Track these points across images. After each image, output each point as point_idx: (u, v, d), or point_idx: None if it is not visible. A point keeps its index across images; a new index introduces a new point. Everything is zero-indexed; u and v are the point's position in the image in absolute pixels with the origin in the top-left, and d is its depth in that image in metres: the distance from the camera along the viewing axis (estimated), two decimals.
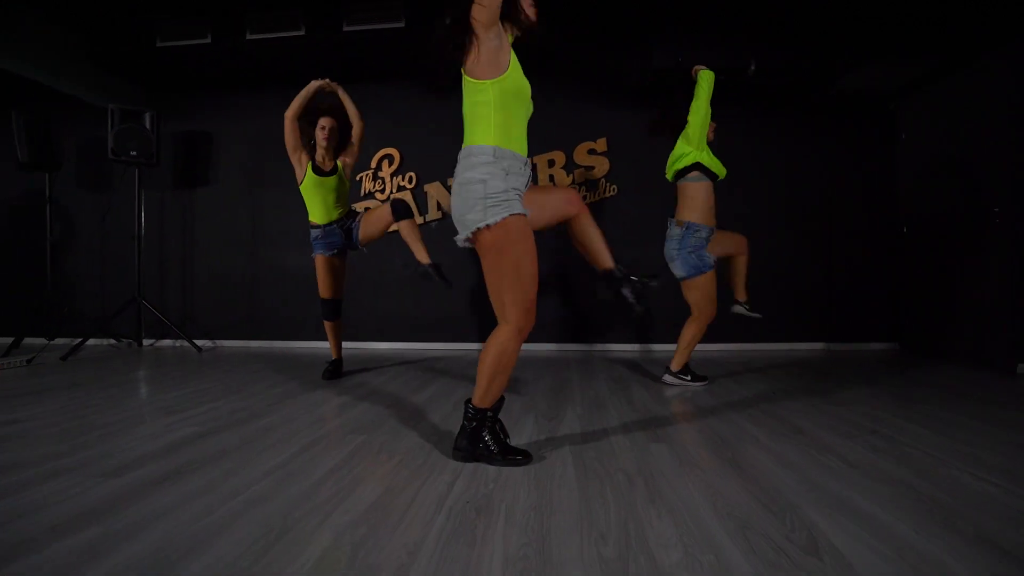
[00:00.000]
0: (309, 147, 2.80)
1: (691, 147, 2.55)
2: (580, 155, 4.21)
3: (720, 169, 2.60)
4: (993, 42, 3.14)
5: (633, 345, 4.18)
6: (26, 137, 3.92)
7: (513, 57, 1.53)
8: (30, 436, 1.82)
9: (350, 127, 2.87)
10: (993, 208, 3.14)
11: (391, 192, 4.40)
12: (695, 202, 2.56)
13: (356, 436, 1.82)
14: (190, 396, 2.46)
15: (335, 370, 2.96)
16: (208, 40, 3.66)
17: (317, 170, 2.79)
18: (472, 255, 2.07)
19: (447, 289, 2.71)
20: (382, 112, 4.39)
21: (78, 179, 4.62)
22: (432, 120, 4.34)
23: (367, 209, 2.89)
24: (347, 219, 2.85)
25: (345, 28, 3.54)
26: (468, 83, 1.53)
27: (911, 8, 3.14)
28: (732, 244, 2.72)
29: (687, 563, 0.99)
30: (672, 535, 1.10)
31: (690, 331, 2.63)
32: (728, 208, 3.73)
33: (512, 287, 1.46)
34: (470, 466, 1.52)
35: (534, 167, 4.24)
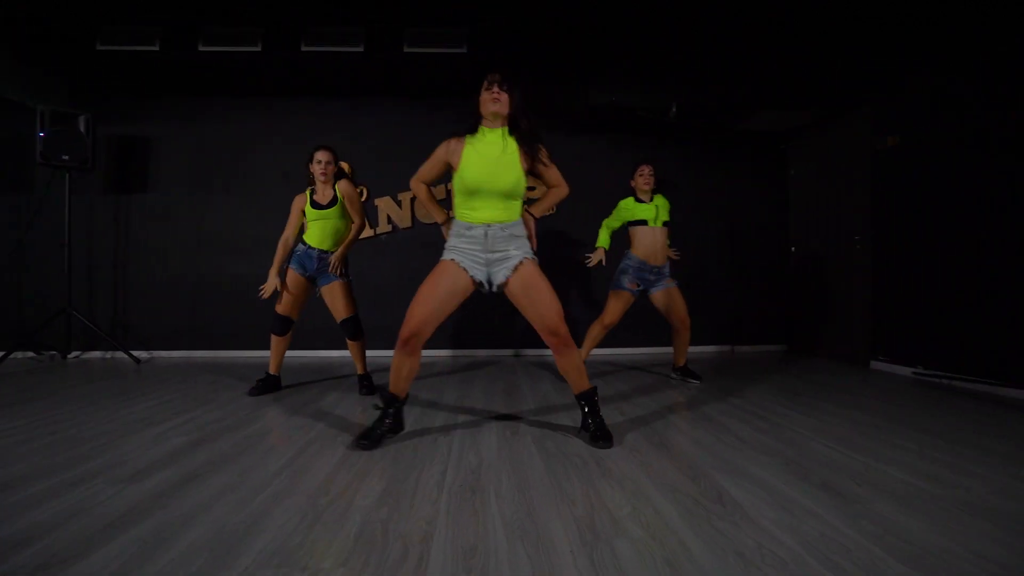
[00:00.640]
0: (311, 183, 2.92)
1: (618, 221, 3.30)
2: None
3: (646, 213, 3.18)
4: (856, 100, 3.92)
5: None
6: None
7: (467, 153, 1.99)
8: (17, 451, 1.86)
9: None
10: (855, 237, 3.91)
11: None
12: (632, 240, 3.25)
13: (346, 437, 2.05)
14: (159, 408, 2.52)
15: (266, 386, 2.88)
16: (156, 48, 3.62)
17: (315, 204, 2.85)
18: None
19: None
20: (335, 128, 4.53)
21: None
22: (383, 137, 4.54)
23: (344, 276, 2.92)
24: (331, 254, 2.87)
25: (304, 48, 3.66)
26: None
27: (793, 67, 3.85)
28: (676, 318, 3.22)
29: (635, 515, 1.37)
30: (621, 498, 1.48)
31: (594, 328, 3.26)
32: None
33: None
34: (455, 456, 1.82)
35: None
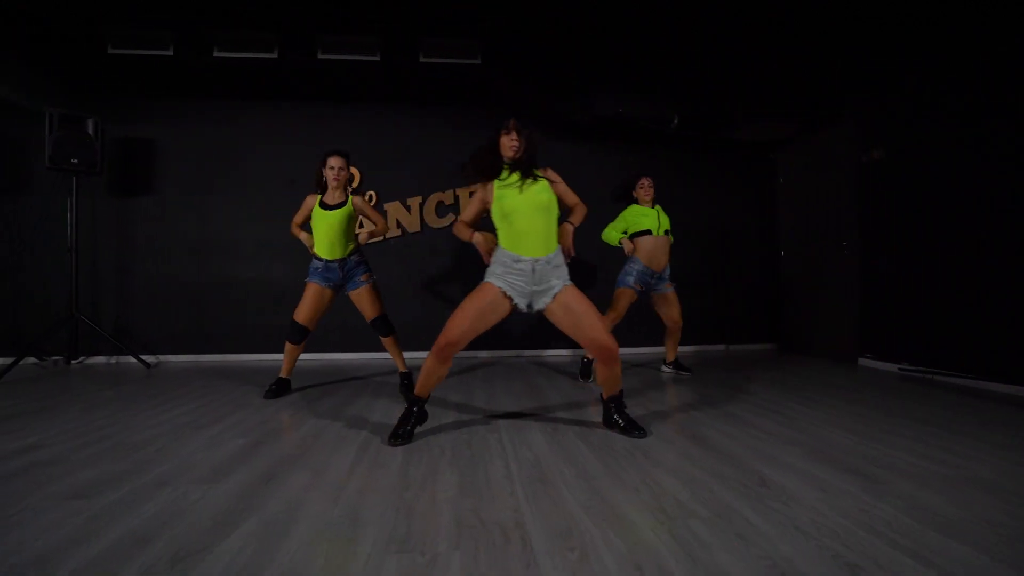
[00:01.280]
0: (320, 186, 2.95)
1: (618, 230, 3.52)
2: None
3: (650, 224, 3.44)
4: (840, 113, 4.21)
5: (564, 350, 4.79)
6: None
7: (498, 186, 2.18)
8: (78, 457, 1.90)
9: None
10: (842, 242, 4.20)
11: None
12: (637, 248, 3.47)
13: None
14: (199, 412, 2.56)
15: (280, 389, 2.94)
16: (170, 52, 3.62)
17: (324, 204, 2.90)
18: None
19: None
20: (345, 133, 4.58)
21: None
22: (393, 142, 4.62)
23: (371, 281, 3.01)
24: (350, 259, 2.93)
25: (320, 56, 3.72)
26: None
27: (782, 80, 4.12)
28: (670, 319, 3.56)
29: (696, 498, 1.53)
30: (678, 484, 1.64)
31: (605, 321, 3.51)
32: None
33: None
34: (510, 452, 1.95)
35: None
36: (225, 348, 4.46)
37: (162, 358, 4.38)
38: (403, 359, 3.15)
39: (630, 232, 3.50)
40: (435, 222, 4.64)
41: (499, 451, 1.97)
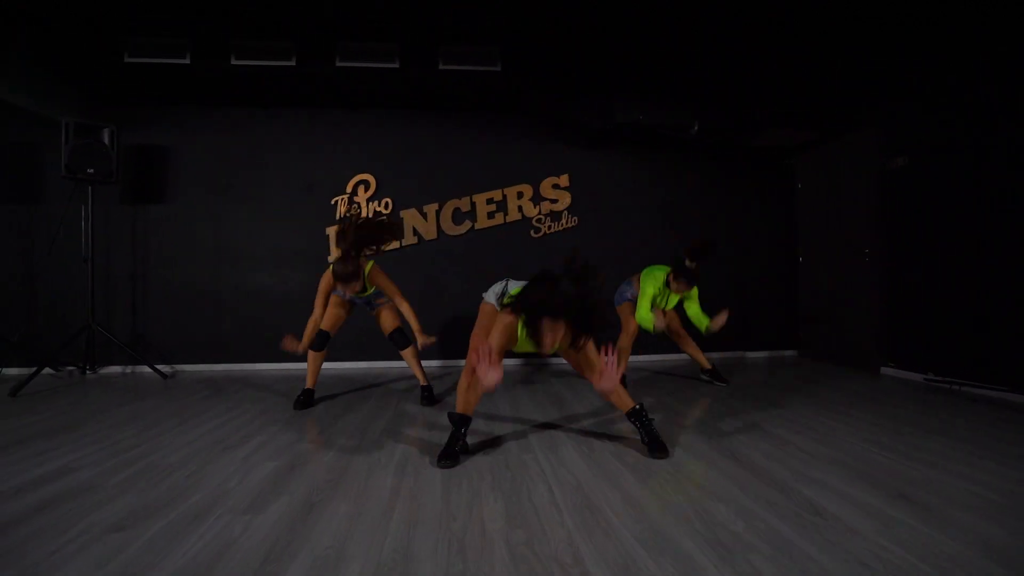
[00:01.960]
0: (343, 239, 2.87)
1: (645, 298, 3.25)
2: (546, 189, 4.70)
3: (667, 305, 3.45)
4: (862, 120, 4.16)
5: None
6: None
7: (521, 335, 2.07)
8: (109, 484, 1.87)
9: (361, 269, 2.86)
10: (864, 250, 4.16)
11: (367, 216, 4.55)
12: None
13: (422, 454, 2.12)
14: (227, 429, 2.53)
15: (307, 399, 2.97)
16: (187, 61, 3.58)
17: (343, 296, 3.01)
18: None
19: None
20: (359, 138, 4.55)
21: None
22: (409, 149, 4.58)
23: (384, 302, 3.12)
24: (371, 293, 3.03)
25: (338, 63, 3.68)
26: None
27: (803, 86, 4.08)
28: (671, 331, 3.59)
29: (751, 530, 1.49)
30: (731, 514, 1.60)
31: (622, 340, 3.45)
32: (664, 242, 4.49)
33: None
34: (550, 474, 1.92)
35: (504, 198, 4.65)
36: (242, 357, 4.43)
37: (178, 367, 4.35)
38: (423, 371, 3.17)
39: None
40: (451, 229, 4.60)
41: (539, 473, 1.94)
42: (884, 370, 3.96)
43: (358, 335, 4.31)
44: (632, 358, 4.60)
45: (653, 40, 3.62)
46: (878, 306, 4.03)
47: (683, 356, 4.71)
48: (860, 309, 4.23)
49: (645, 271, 3.37)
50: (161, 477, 1.92)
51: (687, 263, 3.20)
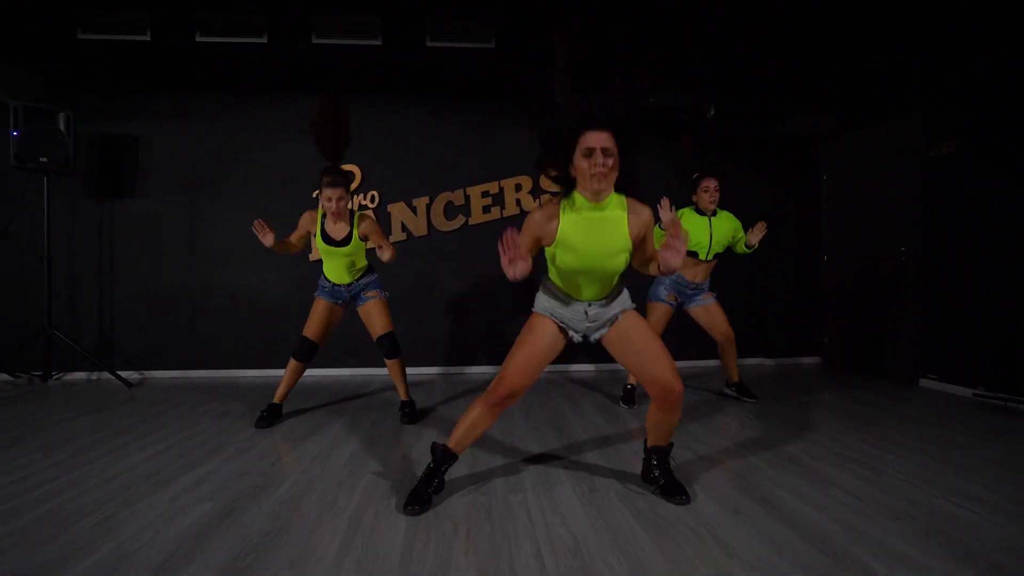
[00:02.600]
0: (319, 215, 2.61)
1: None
2: (546, 181, 4.31)
3: (698, 242, 2.96)
4: (905, 104, 3.72)
5: (588, 365, 4.38)
6: None
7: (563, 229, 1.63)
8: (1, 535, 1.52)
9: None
10: (900, 247, 3.73)
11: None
12: None
13: (390, 490, 1.75)
14: (166, 456, 2.18)
15: (271, 416, 2.64)
16: (147, 37, 3.24)
17: (327, 238, 2.58)
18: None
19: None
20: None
21: None
22: (396, 137, 4.21)
23: (380, 296, 2.75)
24: (359, 281, 2.71)
25: (315, 40, 3.31)
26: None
27: (837, 69, 3.65)
28: (719, 332, 3.07)
29: None
30: None
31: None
32: None
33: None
34: (540, 528, 1.54)
35: (501, 190, 4.27)
36: (216, 363, 4.10)
37: (148, 374, 4.02)
38: (406, 386, 2.84)
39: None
40: (443, 225, 4.23)
41: (526, 525, 1.56)
42: (923, 383, 3.54)
43: (341, 338, 3.95)
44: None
45: (664, 16, 3.22)
46: (916, 310, 3.61)
47: (705, 364, 4.32)
48: (895, 314, 3.81)
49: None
50: (64, 526, 1.56)
51: (693, 177, 3.04)
